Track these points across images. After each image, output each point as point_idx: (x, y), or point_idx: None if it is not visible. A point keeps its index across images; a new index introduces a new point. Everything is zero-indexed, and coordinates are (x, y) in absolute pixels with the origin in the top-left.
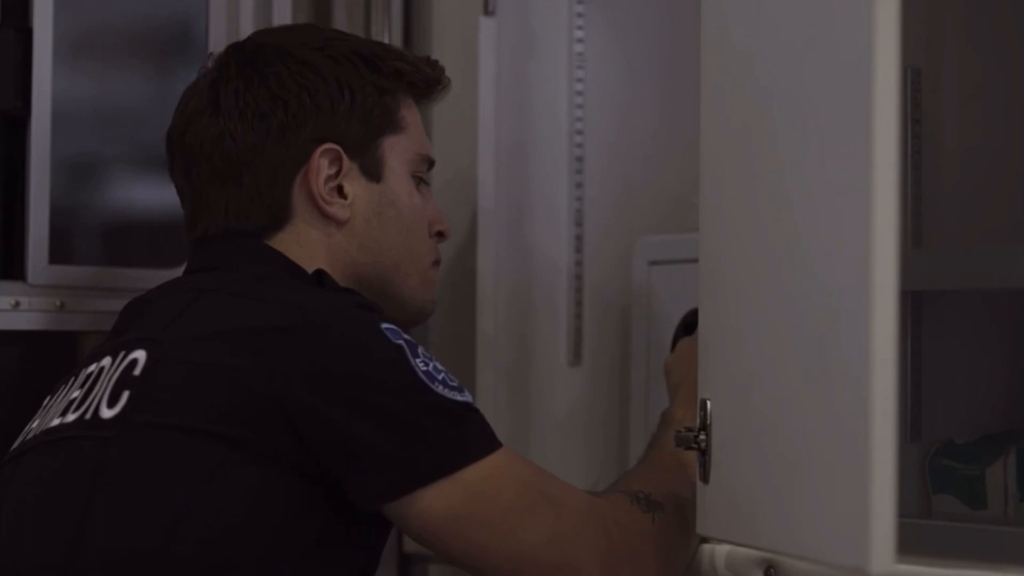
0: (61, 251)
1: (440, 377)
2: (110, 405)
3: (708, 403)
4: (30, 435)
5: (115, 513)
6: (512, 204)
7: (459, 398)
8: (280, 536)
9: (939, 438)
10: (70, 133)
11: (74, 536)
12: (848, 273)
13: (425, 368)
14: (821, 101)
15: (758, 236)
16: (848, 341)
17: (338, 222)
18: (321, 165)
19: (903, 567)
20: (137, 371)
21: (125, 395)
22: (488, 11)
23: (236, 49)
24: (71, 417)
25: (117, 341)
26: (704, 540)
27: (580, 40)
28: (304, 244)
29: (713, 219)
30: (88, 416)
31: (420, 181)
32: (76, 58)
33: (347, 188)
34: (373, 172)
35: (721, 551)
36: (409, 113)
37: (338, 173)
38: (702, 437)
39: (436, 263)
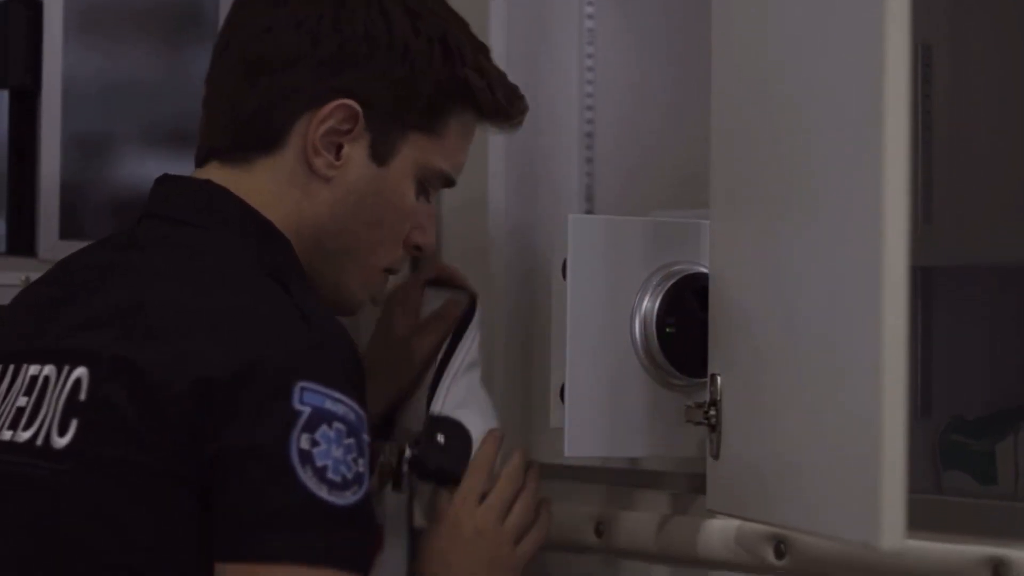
0: (71, 226)
1: (320, 464)
2: (61, 432)
3: (718, 378)
4: None
5: (62, 556)
6: (522, 180)
7: (324, 495)
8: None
9: (950, 414)
10: (80, 108)
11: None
12: (859, 249)
13: (307, 448)
14: (832, 76)
15: (769, 211)
16: (859, 317)
17: (319, 177)
18: (332, 115)
19: (913, 543)
20: (82, 395)
21: (74, 424)
22: None
23: None
24: (23, 435)
25: (56, 341)
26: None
27: (591, 16)
28: (283, 182)
29: (724, 195)
30: (40, 442)
31: (424, 190)
32: (86, 33)
33: (346, 151)
34: (380, 155)
35: (731, 526)
36: (459, 126)
37: (346, 133)
38: (712, 412)
39: (388, 270)
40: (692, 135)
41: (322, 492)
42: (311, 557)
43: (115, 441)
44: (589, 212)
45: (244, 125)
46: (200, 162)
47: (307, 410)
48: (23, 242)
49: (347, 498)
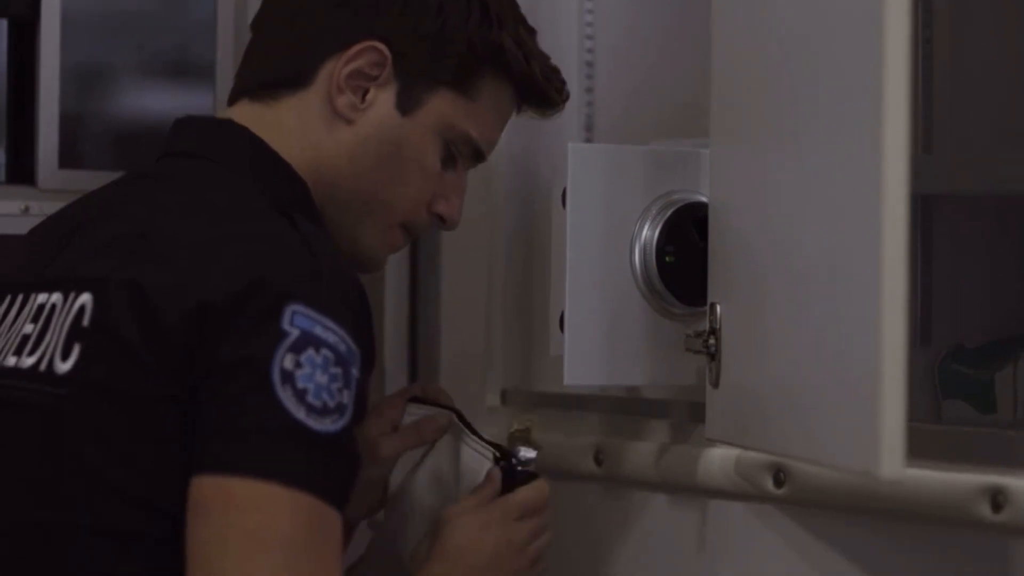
0: (71, 156)
1: (301, 386)
2: (63, 357)
3: (718, 307)
4: None
5: (53, 479)
6: None
7: (301, 417)
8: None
9: (949, 343)
10: (79, 38)
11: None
12: (859, 177)
13: (289, 368)
14: (833, 4)
15: (769, 140)
16: (858, 245)
17: (342, 118)
18: (361, 56)
19: (913, 471)
20: (86, 321)
21: (76, 349)
22: None
23: None
24: (28, 361)
25: (64, 270)
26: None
27: None
28: (306, 120)
29: (724, 123)
30: (43, 368)
31: (452, 157)
32: None
33: (371, 96)
34: (406, 104)
35: (730, 455)
36: (492, 95)
37: (374, 78)
38: (711, 341)
39: (404, 228)
40: (692, 64)
41: (300, 414)
42: (283, 476)
43: (116, 365)
44: (589, 141)
45: (275, 63)
46: (230, 102)
47: (295, 332)
48: (23, 171)
49: (326, 425)
